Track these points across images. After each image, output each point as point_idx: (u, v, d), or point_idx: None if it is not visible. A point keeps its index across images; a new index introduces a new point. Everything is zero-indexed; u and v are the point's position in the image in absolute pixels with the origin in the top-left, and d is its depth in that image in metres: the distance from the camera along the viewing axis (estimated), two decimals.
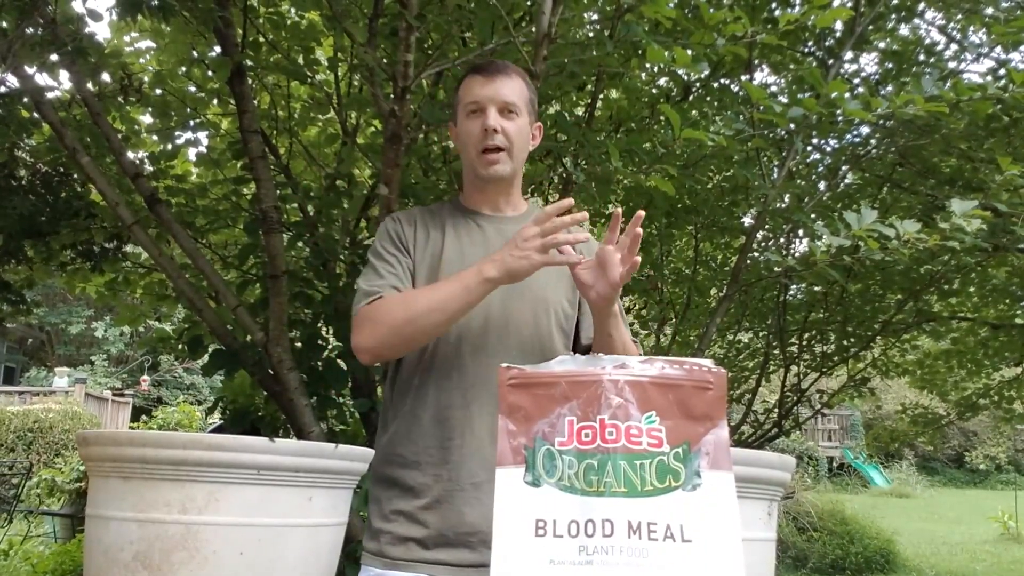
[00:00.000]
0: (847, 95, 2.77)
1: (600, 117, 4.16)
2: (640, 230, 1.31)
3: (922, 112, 2.75)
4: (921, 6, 4.52)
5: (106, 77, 3.56)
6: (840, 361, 5.69)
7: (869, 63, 7.30)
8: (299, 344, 3.35)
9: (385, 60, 3.23)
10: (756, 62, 4.14)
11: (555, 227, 1.30)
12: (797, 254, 4.75)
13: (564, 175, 3.61)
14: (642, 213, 1.30)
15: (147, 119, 4.17)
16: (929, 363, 6.63)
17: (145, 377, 17.07)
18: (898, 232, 2.69)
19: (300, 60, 3.77)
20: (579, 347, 1.57)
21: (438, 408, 1.45)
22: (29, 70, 3.06)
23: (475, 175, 1.55)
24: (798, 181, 4.48)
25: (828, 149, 4.69)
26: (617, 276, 1.33)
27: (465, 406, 1.43)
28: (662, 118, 3.56)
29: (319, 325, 3.52)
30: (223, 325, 3.23)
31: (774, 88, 4.82)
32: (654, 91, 4.40)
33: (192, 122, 3.99)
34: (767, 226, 4.49)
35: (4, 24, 3.01)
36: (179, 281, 3.17)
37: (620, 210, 1.32)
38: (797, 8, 3.88)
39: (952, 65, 4.68)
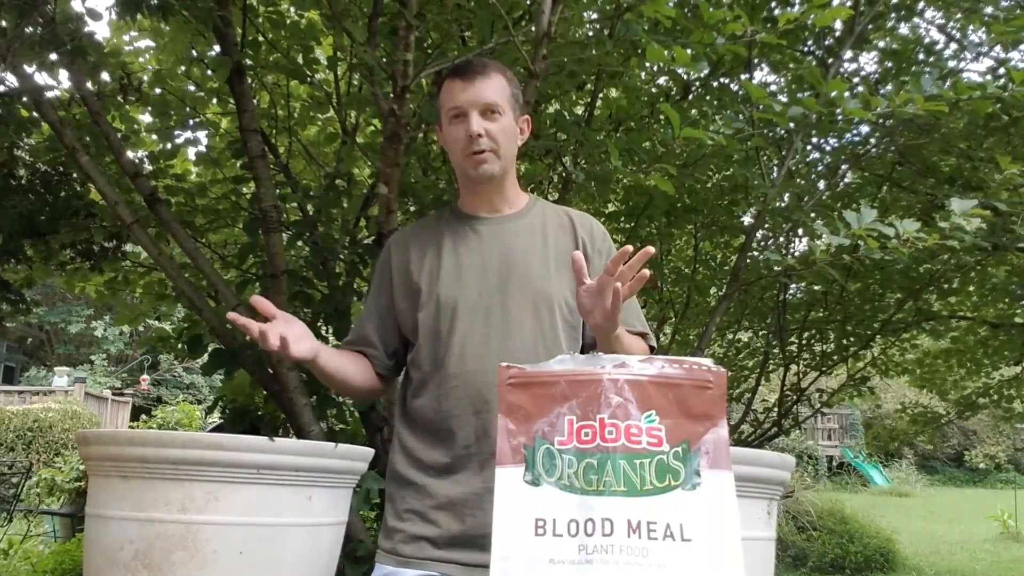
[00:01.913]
0: (847, 94, 2.77)
1: (600, 116, 4.15)
2: (647, 272, 1.25)
3: (922, 111, 2.75)
4: (921, 5, 4.51)
5: (105, 76, 3.55)
6: (840, 360, 5.69)
7: (869, 62, 7.32)
8: None
9: (384, 59, 3.23)
10: (756, 61, 4.14)
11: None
12: (797, 253, 4.75)
13: (564, 174, 3.61)
14: (651, 249, 1.24)
15: (146, 118, 4.17)
16: (929, 362, 6.63)
17: (145, 376, 17.06)
18: (898, 231, 2.69)
19: (299, 59, 3.77)
20: (586, 342, 1.57)
21: (450, 415, 1.46)
22: (28, 69, 3.06)
23: (466, 178, 1.56)
24: (798, 180, 4.47)
25: (828, 148, 4.69)
26: (610, 307, 1.27)
27: (476, 412, 1.44)
28: (662, 117, 3.55)
29: (319, 324, 3.52)
30: (223, 324, 3.22)
31: (774, 87, 4.82)
32: (654, 90, 4.40)
33: (191, 121, 3.99)
34: (767, 225, 4.49)
35: (3, 23, 3.01)
36: (179, 280, 3.17)
37: (630, 248, 1.25)
38: (796, 7, 3.88)
39: (952, 64, 4.67)
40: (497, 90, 1.50)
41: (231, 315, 1.33)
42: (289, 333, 1.33)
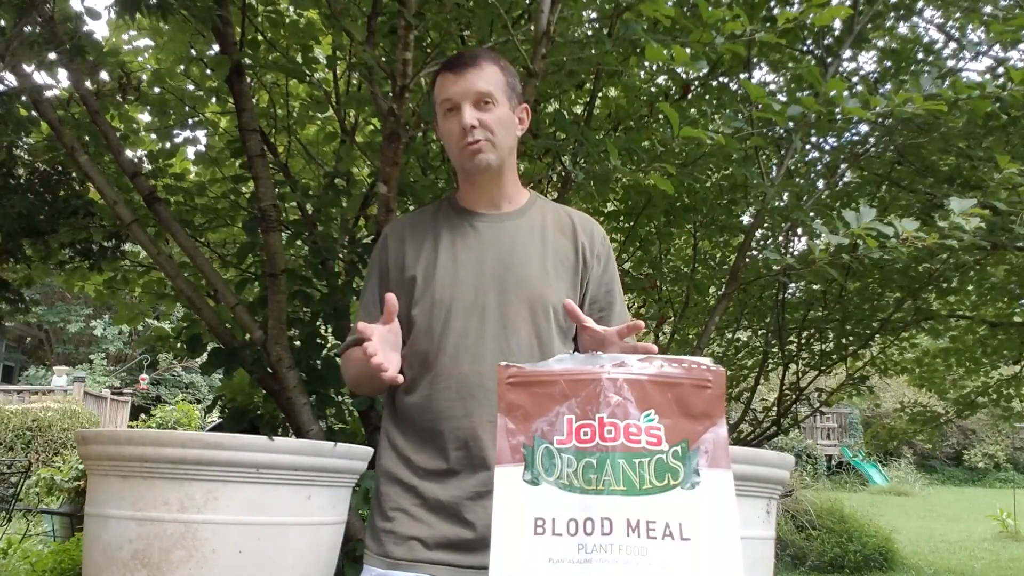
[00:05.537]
0: (846, 93, 2.76)
1: (599, 115, 4.16)
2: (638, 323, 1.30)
3: (921, 110, 2.75)
4: (920, 4, 4.52)
5: (104, 75, 3.55)
6: (839, 359, 5.69)
7: (868, 61, 7.33)
8: (298, 342, 3.35)
9: (384, 58, 3.23)
10: (755, 60, 4.14)
11: (370, 355, 1.29)
12: (796, 252, 4.75)
13: (563, 173, 3.61)
14: (641, 324, 1.30)
15: (145, 117, 4.17)
16: (928, 361, 6.64)
17: (144, 376, 17.07)
18: (897, 230, 2.69)
19: (299, 58, 3.77)
20: (577, 348, 1.56)
21: (441, 415, 1.44)
22: (27, 68, 3.06)
23: (463, 170, 1.53)
24: (797, 179, 4.48)
25: (827, 147, 4.69)
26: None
27: (467, 415, 1.42)
28: (661, 116, 3.56)
29: (318, 323, 3.52)
30: (222, 324, 3.23)
31: (773, 86, 4.82)
32: (653, 89, 4.40)
33: (191, 120, 3.99)
34: (766, 224, 4.49)
35: (2, 22, 3.01)
36: (178, 280, 3.17)
37: (642, 324, 1.30)
38: (796, 6, 3.88)
39: (951, 63, 4.68)
40: (490, 80, 1.48)
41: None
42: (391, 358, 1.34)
